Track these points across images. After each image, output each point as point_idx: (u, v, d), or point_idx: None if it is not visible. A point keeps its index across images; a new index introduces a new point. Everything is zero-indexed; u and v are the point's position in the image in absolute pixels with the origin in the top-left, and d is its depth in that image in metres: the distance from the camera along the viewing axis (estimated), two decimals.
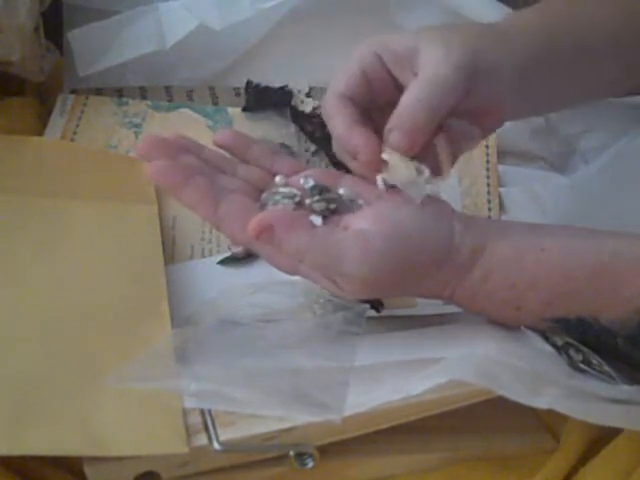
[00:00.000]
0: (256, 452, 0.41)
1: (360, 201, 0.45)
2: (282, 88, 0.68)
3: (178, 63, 0.67)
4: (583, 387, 0.40)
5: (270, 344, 0.45)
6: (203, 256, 0.58)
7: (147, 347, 0.44)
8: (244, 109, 0.67)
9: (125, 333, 0.46)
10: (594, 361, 0.42)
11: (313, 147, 0.65)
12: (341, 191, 0.46)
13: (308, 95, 0.68)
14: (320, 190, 0.45)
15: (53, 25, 0.68)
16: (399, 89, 0.46)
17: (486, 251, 0.43)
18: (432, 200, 0.45)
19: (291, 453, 0.41)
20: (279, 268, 0.44)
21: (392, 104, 0.45)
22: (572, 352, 0.43)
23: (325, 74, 0.67)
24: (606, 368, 0.42)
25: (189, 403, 0.41)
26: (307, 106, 0.67)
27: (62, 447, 0.39)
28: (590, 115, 0.66)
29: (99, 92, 0.68)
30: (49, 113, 0.65)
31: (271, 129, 0.66)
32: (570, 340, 0.43)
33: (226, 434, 0.40)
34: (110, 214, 0.55)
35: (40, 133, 0.64)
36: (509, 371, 0.40)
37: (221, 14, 0.64)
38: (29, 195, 0.54)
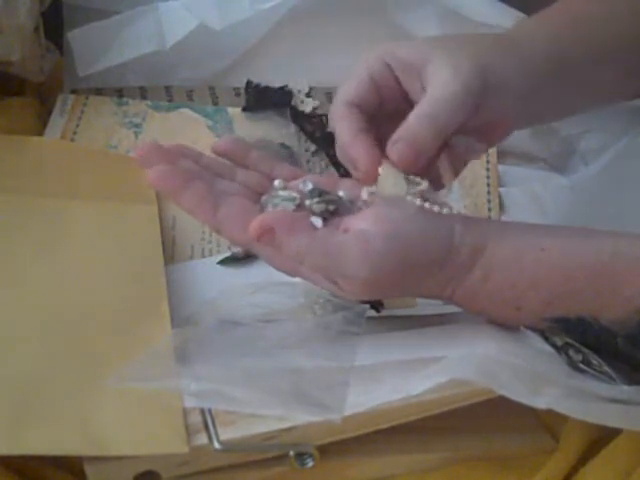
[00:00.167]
0: (256, 452, 0.41)
1: (360, 203, 0.45)
2: (282, 88, 0.68)
3: (178, 63, 0.67)
4: (583, 387, 0.40)
5: (270, 344, 0.45)
6: (203, 256, 0.58)
7: (147, 347, 0.44)
8: (244, 109, 0.67)
9: (125, 333, 0.46)
10: (594, 361, 0.42)
11: (313, 147, 0.65)
12: (341, 193, 0.46)
13: (308, 95, 0.68)
14: (319, 192, 0.45)
15: (53, 25, 0.68)
16: (407, 98, 0.47)
17: (486, 251, 0.43)
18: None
19: (291, 453, 0.41)
20: (279, 270, 0.44)
21: (399, 112, 0.45)
22: (572, 352, 0.43)
23: (325, 74, 0.68)
24: (606, 368, 0.42)
25: (189, 402, 0.41)
26: (307, 106, 0.68)
27: (62, 447, 0.39)
28: (590, 116, 0.66)
29: (99, 92, 0.68)
30: (49, 113, 0.65)
31: (271, 129, 0.66)
32: (570, 340, 0.43)
33: (226, 433, 0.40)
34: (110, 214, 0.55)
35: (40, 133, 0.64)
36: (509, 370, 0.40)
37: (221, 14, 0.64)
38: (29, 195, 0.54)
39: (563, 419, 0.46)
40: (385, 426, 0.42)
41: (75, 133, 0.64)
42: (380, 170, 0.45)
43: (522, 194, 0.66)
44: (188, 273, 0.56)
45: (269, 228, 0.41)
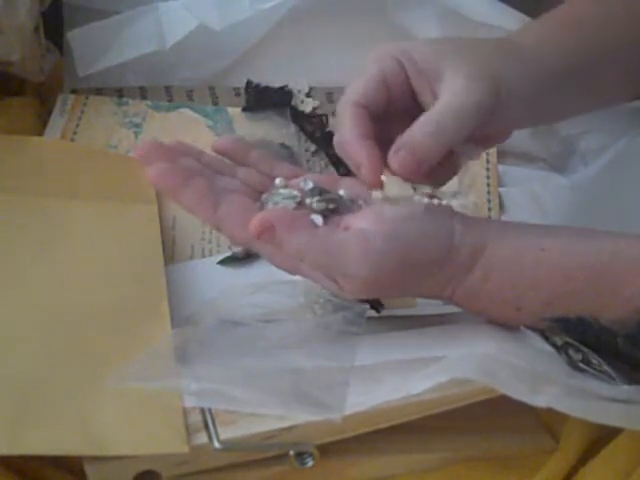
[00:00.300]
0: (256, 451, 0.41)
1: (360, 202, 0.45)
2: (282, 88, 0.68)
3: (178, 63, 0.67)
4: (583, 386, 0.40)
5: (270, 344, 0.45)
6: (203, 256, 0.58)
7: (147, 347, 0.44)
8: (244, 109, 0.67)
9: (125, 333, 0.46)
10: (594, 361, 0.42)
11: (313, 147, 0.65)
12: (341, 192, 0.46)
13: (308, 95, 0.68)
14: (320, 191, 0.45)
15: (53, 25, 0.68)
16: (416, 99, 0.47)
17: (486, 251, 0.43)
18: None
19: (291, 452, 0.41)
20: (280, 267, 0.44)
21: (407, 111, 0.46)
22: (572, 352, 0.43)
23: (325, 74, 0.68)
24: (606, 368, 0.42)
25: (189, 402, 0.41)
26: (307, 106, 0.68)
27: (62, 447, 0.39)
28: (590, 116, 0.66)
29: (99, 92, 0.68)
30: (49, 113, 0.65)
31: (271, 129, 0.66)
32: (570, 340, 0.43)
33: (226, 433, 0.40)
34: (110, 214, 0.55)
35: (40, 133, 0.64)
36: (509, 369, 0.40)
37: (221, 14, 0.64)
38: (29, 195, 0.54)
39: (563, 419, 0.46)
40: (385, 426, 0.42)
41: (75, 133, 0.64)
42: (384, 178, 0.45)
43: (522, 194, 0.66)
44: (188, 273, 0.56)
45: (269, 225, 0.41)
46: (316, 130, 0.65)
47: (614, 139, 0.67)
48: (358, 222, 0.43)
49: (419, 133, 0.44)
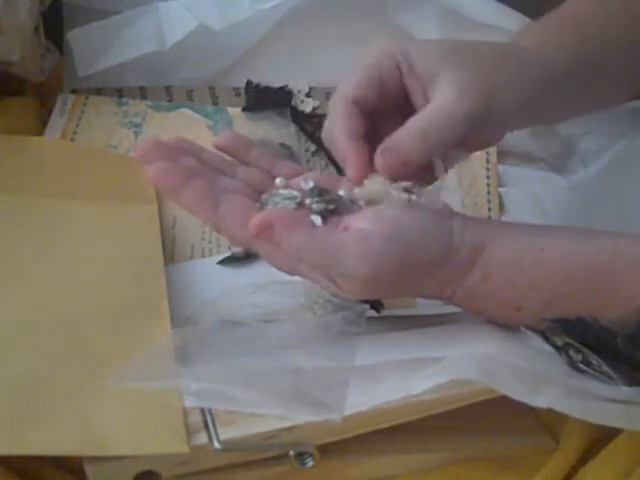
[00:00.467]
0: (256, 451, 0.41)
1: (361, 202, 0.45)
2: (282, 88, 0.68)
3: (178, 63, 0.67)
4: (583, 387, 0.40)
5: (270, 344, 0.45)
6: (203, 256, 0.58)
7: (147, 347, 0.44)
8: (244, 109, 0.67)
9: (125, 333, 0.46)
10: (594, 361, 0.42)
11: (313, 147, 0.65)
12: (341, 192, 0.46)
13: (308, 95, 0.68)
14: (320, 191, 0.45)
15: (53, 25, 0.68)
16: (408, 98, 0.47)
17: (486, 251, 0.43)
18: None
19: (291, 452, 0.41)
20: (279, 268, 0.44)
21: (399, 109, 0.46)
22: (572, 352, 0.43)
23: (325, 74, 0.68)
24: (605, 368, 0.42)
25: (189, 402, 0.41)
26: (307, 106, 0.68)
27: (62, 447, 0.39)
28: (590, 117, 0.66)
29: (99, 92, 0.68)
30: (49, 113, 0.65)
31: (271, 129, 0.66)
32: (570, 340, 0.43)
33: (226, 433, 0.40)
34: (110, 214, 0.55)
35: (40, 133, 0.64)
36: (509, 370, 0.40)
37: (221, 14, 0.64)
38: (29, 195, 0.54)
39: (563, 420, 0.46)
40: (385, 426, 0.42)
41: (75, 133, 0.64)
42: (367, 181, 0.45)
43: (522, 194, 0.66)
44: (188, 273, 0.56)
45: (269, 225, 0.41)
46: (316, 130, 0.65)
47: (614, 140, 0.67)
48: (357, 222, 0.43)
49: (405, 136, 0.44)
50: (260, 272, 0.54)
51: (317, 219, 0.43)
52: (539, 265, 0.43)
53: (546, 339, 0.44)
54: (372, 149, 0.45)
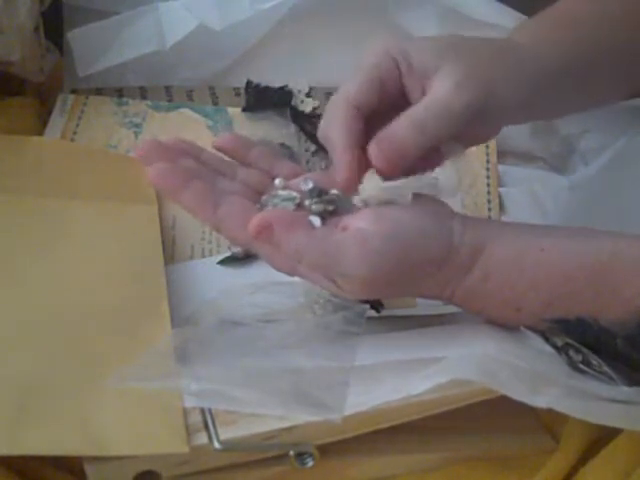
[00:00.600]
0: (256, 451, 0.41)
1: (359, 204, 0.45)
2: (282, 88, 0.68)
3: (178, 63, 0.67)
4: (583, 387, 0.40)
5: (270, 344, 0.45)
6: (203, 256, 0.58)
7: (147, 347, 0.44)
8: (244, 109, 0.67)
9: (125, 333, 0.46)
10: (594, 362, 0.42)
11: (313, 147, 0.65)
12: (340, 192, 0.46)
13: (308, 95, 0.68)
14: (319, 192, 0.45)
15: (53, 25, 0.68)
16: (406, 97, 0.47)
17: (485, 251, 0.43)
18: (431, 201, 0.45)
19: (291, 452, 0.41)
20: (278, 269, 0.44)
21: (396, 109, 0.45)
22: (572, 353, 0.43)
23: (325, 74, 0.68)
24: (605, 369, 0.42)
25: (189, 402, 0.41)
26: (307, 106, 0.68)
27: (62, 447, 0.39)
28: (590, 116, 0.66)
29: (99, 92, 0.68)
30: (49, 113, 0.65)
31: (271, 129, 0.66)
32: (570, 341, 0.43)
33: (226, 433, 0.40)
34: (110, 214, 0.55)
35: (40, 133, 0.64)
36: (509, 370, 0.40)
37: (221, 14, 0.64)
38: (29, 195, 0.54)
39: (563, 420, 0.46)
40: (385, 426, 0.42)
41: (75, 133, 0.64)
42: (365, 180, 0.45)
43: (522, 194, 0.66)
44: (188, 273, 0.56)
45: (268, 225, 0.41)
46: (316, 130, 0.65)
47: (614, 138, 0.67)
48: (356, 222, 0.43)
49: (402, 127, 0.44)
50: (260, 272, 0.54)
51: (316, 220, 0.44)
52: (539, 265, 0.43)
53: (546, 339, 0.44)
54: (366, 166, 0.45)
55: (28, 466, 0.42)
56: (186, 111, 0.66)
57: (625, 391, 0.40)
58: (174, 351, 0.44)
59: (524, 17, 0.64)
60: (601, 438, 0.45)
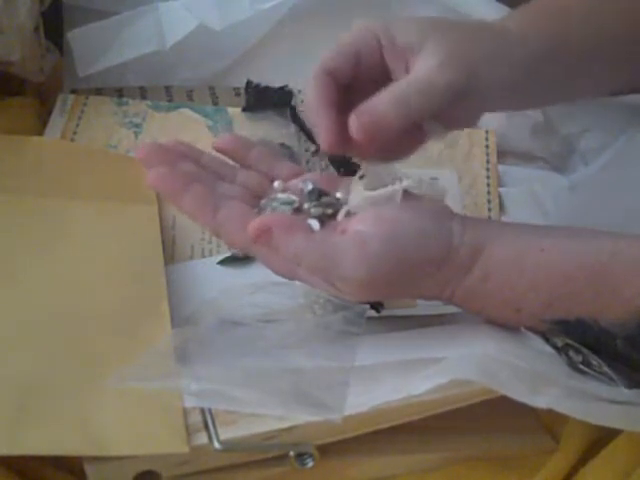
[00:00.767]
0: (256, 451, 0.41)
1: (353, 210, 0.45)
2: (282, 88, 0.68)
3: (178, 63, 0.67)
4: (583, 388, 0.40)
5: (270, 344, 0.45)
6: (203, 256, 0.58)
7: (147, 347, 0.44)
8: (244, 109, 0.67)
9: (125, 333, 0.46)
10: (594, 362, 0.42)
11: (313, 147, 0.65)
12: (339, 195, 0.46)
13: None
14: (318, 195, 0.45)
15: (53, 25, 0.68)
16: (386, 72, 0.47)
17: (485, 252, 0.43)
18: (430, 201, 0.45)
19: (291, 453, 0.41)
20: (277, 272, 0.44)
21: (377, 85, 0.45)
22: (572, 353, 0.43)
23: None
24: (606, 369, 0.42)
25: (189, 402, 0.41)
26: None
27: (62, 447, 0.39)
28: (590, 115, 0.66)
29: (99, 92, 0.68)
30: (49, 113, 0.65)
31: (271, 129, 0.66)
32: (570, 341, 0.43)
33: (226, 433, 0.40)
34: (110, 214, 0.55)
35: (40, 133, 0.64)
36: (509, 370, 0.40)
37: (221, 14, 0.64)
38: (29, 195, 0.54)
39: (563, 420, 0.46)
40: (385, 426, 0.42)
41: (75, 133, 0.64)
42: (364, 167, 0.45)
43: (522, 194, 0.66)
44: (188, 273, 0.56)
45: (267, 229, 0.41)
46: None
47: (614, 137, 0.67)
48: (355, 225, 0.43)
49: (382, 101, 0.44)
50: (260, 272, 0.54)
51: (315, 223, 0.44)
52: (539, 266, 0.43)
53: (546, 339, 0.44)
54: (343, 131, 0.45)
55: (28, 466, 0.42)
56: (186, 111, 0.66)
57: (625, 393, 0.40)
58: (174, 351, 0.44)
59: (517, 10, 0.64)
60: (601, 438, 0.45)
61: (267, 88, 0.67)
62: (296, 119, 0.66)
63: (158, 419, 0.40)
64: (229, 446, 0.40)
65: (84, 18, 0.67)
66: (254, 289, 0.52)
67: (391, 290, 0.44)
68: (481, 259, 0.43)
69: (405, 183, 0.44)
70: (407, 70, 0.45)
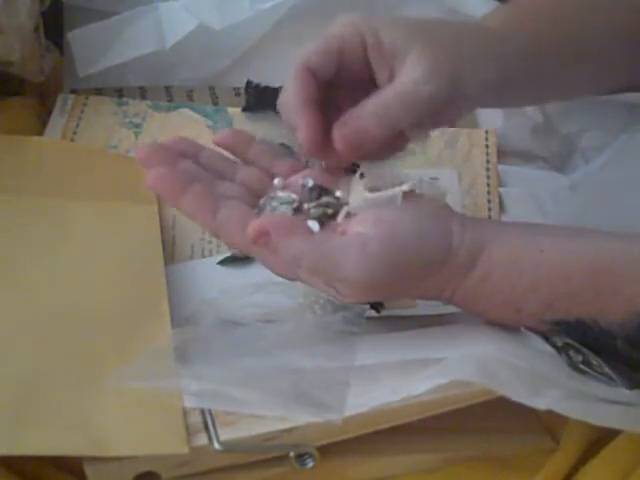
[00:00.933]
0: (256, 452, 0.41)
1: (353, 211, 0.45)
2: (282, 88, 0.67)
3: (178, 63, 0.67)
4: (583, 388, 0.40)
5: (270, 344, 0.45)
6: (203, 256, 0.58)
7: (147, 347, 0.44)
8: (244, 109, 0.67)
9: (125, 333, 0.46)
10: (594, 362, 0.42)
11: None
12: (339, 194, 0.46)
13: None
14: (319, 193, 0.45)
15: (53, 25, 0.68)
16: (368, 70, 0.46)
17: (485, 252, 0.43)
18: (430, 202, 0.45)
19: (291, 453, 0.41)
20: (277, 273, 0.44)
21: (360, 84, 0.45)
22: (572, 353, 0.43)
23: None
24: (606, 369, 0.42)
25: (189, 403, 0.41)
26: None
27: (62, 447, 0.39)
28: (590, 114, 0.66)
29: (99, 92, 0.68)
30: (49, 113, 0.65)
31: (271, 129, 0.66)
32: (570, 341, 0.43)
33: (226, 434, 0.40)
34: (110, 214, 0.55)
35: (40, 133, 0.64)
36: (509, 371, 0.40)
37: (221, 14, 0.64)
38: (29, 195, 0.54)
39: (563, 421, 0.46)
40: (385, 426, 0.42)
41: (75, 133, 0.64)
42: (363, 169, 0.45)
43: (522, 194, 0.66)
44: (188, 273, 0.56)
45: (266, 231, 0.41)
46: None
47: (614, 136, 0.67)
48: (355, 226, 0.43)
49: (366, 113, 0.44)
50: (260, 272, 0.54)
51: (314, 225, 0.43)
52: (539, 266, 0.43)
53: (546, 339, 0.44)
54: (328, 120, 0.45)
55: (28, 466, 0.42)
56: (186, 111, 0.66)
57: (626, 394, 0.40)
58: (174, 351, 0.44)
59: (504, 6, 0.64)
60: (601, 438, 0.45)
61: (267, 88, 0.67)
62: None
63: (158, 419, 0.40)
64: (229, 447, 0.40)
65: (84, 18, 0.67)
66: (254, 289, 0.52)
67: (391, 291, 0.44)
68: (481, 259, 0.43)
69: (405, 186, 0.44)
70: (391, 74, 0.45)
